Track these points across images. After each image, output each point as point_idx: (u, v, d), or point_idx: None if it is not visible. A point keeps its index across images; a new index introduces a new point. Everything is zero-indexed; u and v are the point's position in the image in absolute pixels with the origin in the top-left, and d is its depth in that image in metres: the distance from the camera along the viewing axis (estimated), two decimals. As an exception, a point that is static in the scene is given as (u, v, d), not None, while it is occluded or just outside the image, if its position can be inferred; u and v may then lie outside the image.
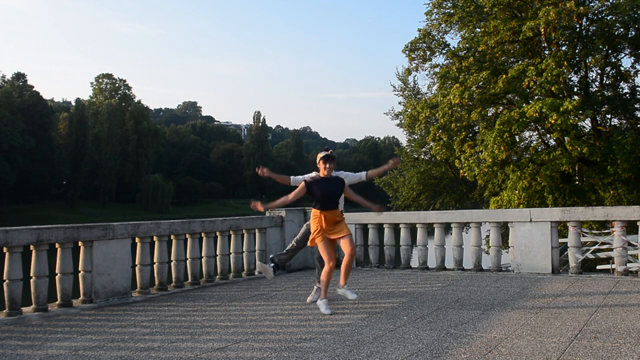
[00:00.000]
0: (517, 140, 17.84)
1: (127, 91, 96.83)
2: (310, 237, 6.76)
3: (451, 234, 10.24)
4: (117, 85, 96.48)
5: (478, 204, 23.15)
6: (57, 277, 7.16)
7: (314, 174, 6.94)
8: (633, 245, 11.30)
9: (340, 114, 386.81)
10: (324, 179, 6.72)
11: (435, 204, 23.68)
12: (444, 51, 19.10)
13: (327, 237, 6.62)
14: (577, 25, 16.77)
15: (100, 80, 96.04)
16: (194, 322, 6.17)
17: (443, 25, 18.77)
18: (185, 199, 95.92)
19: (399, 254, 10.52)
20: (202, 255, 9.03)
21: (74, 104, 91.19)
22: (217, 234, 9.27)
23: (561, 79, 15.40)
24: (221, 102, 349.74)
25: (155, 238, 8.32)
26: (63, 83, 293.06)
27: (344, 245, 6.61)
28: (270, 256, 7.64)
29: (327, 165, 6.66)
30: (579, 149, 15.12)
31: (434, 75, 20.74)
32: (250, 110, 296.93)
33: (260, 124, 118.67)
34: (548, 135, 18.27)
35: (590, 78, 18.17)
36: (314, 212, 6.70)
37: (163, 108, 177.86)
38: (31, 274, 6.80)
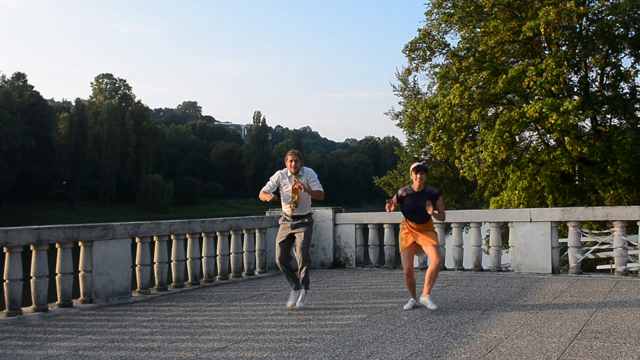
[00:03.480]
0: (517, 140, 17.82)
1: (127, 91, 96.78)
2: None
3: (451, 234, 10.24)
4: (117, 85, 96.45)
5: (478, 204, 23.13)
6: (57, 277, 7.16)
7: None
8: (633, 245, 11.29)
9: (340, 114, 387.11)
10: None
11: (435, 203, 23.63)
12: (444, 51, 19.09)
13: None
14: (577, 25, 16.75)
15: (100, 80, 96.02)
16: (194, 322, 6.17)
17: (443, 25, 18.74)
18: (185, 199, 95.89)
19: (398, 254, 10.50)
20: (202, 255, 9.03)
21: (74, 104, 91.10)
22: (217, 234, 9.27)
23: (561, 79, 15.38)
24: (221, 102, 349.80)
25: (155, 238, 8.32)
26: (63, 83, 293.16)
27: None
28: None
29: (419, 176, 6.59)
30: (579, 149, 15.10)
31: (434, 75, 20.73)
32: (250, 110, 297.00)
33: (260, 124, 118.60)
34: (548, 135, 18.25)
35: (590, 78, 18.14)
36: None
37: (163, 108, 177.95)
38: (31, 274, 6.80)
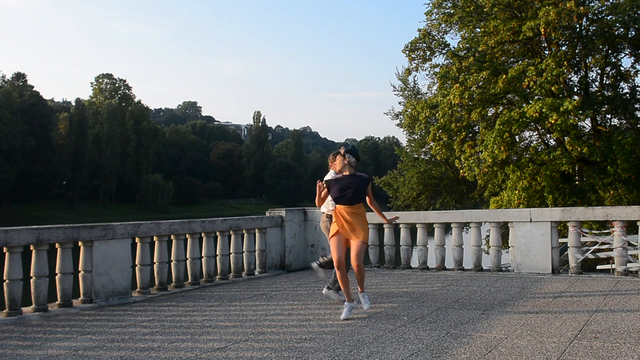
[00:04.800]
0: (517, 140, 17.84)
1: (127, 91, 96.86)
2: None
3: (451, 234, 10.23)
4: (117, 85, 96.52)
5: (478, 204, 23.14)
6: (57, 277, 7.16)
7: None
8: (633, 245, 11.29)
9: (340, 114, 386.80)
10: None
11: (435, 204, 23.67)
12: (444, 51, 19.10)
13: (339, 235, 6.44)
14: (577, 25, 16.76)
15: (100, 80, 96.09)
16: (194, 322, 6.17)
17: (443, 25, 18.76)
18: (185, 199, 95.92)
19: (399, 254, 10.51)
20: (202, 255, 9.03)
21: (74, 104, 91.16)
22: (217, 234, 9.27)
23: (561, 79, 15.39)
24: (221, 102, 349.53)
25: (155, 238, 8.32)
26: (63, 83, 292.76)
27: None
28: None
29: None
30: (579, 149, 15.11)
31: (434, 75, 20.74)
32: (250, 110, 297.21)
33: (260, 124, 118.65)
34: (548, 135, 18.27)
35: (590, 78, 18.16)
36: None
37: (163, 108, 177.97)
38: (31, 274, 6.80)
